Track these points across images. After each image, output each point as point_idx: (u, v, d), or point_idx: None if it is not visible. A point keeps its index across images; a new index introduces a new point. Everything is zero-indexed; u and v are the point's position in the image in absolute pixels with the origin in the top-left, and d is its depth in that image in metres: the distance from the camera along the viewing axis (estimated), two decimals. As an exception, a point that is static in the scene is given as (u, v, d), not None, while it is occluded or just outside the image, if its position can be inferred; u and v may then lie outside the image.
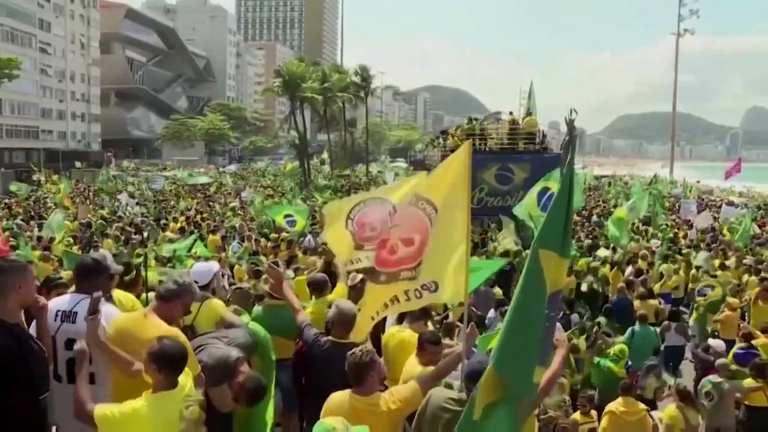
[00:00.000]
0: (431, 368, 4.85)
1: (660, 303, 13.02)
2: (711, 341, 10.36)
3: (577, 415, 7.64)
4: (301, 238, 18.15)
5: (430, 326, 8.05)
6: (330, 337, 5.35)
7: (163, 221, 23.01)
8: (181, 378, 3.94)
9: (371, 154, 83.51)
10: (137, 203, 31.98)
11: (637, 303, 12.11)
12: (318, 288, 7.19)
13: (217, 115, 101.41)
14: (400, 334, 6.47)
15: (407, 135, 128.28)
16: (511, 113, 24.23)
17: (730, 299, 12.26)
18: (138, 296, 5.95)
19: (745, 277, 14.44)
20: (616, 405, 7.32)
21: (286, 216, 18.73)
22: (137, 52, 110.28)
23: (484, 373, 3.88)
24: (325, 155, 78.14)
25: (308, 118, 73.25)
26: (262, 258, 13.83)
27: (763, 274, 13.78)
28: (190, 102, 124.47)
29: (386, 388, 4.90)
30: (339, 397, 4.43)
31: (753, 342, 9.94)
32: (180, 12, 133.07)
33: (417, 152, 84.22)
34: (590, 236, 19.78)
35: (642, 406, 7.56)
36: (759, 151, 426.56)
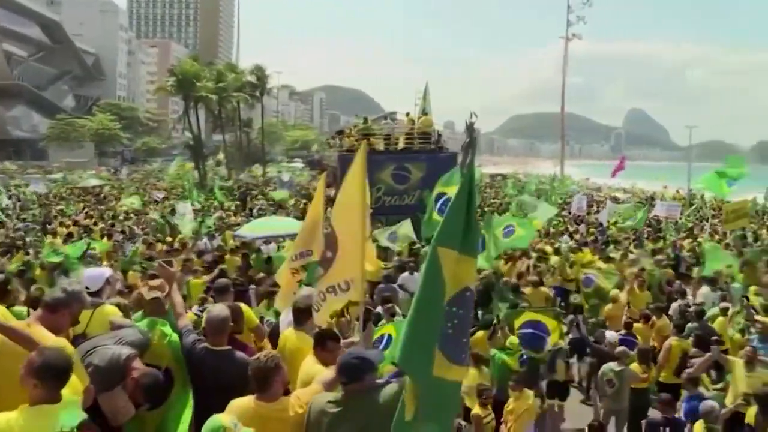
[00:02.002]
0: (333, 368, 4.79)
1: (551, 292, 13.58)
2: (607, 333, 10.95)
3: (477, 409, 7.82)
4: (197, 241, 17.80)
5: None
6: (205, 344, 5.16)
7: (50, 226, 21.99)
8: (66, 391, 3.68)
9: (268, 155, 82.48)
10: (20, 207, 30.40)
11: (528, 290, 12.49)
12: (220, 292, 7.08)
13: (107, 115, 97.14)
14: (296, 336, 6.42)
15: (304, 135, 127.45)
16: (407, 114, 24.50)
17: (613, 292, 12.86)
18: (9, 307, 5.64)
19: (629, 270, 15.20)
20: (525, 401, 7.59)
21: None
22: (16, 46, 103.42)
23: (355, 367, 4.06)
24: (220, 156, 76.58)
25: (203, 119, 71.60)
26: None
27: (653, 266, 14.65)
28: (78, 101, 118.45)
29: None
30: (242, 403, 4.29)
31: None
32: (66, 5, 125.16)
33: (313, 152, 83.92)
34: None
35: (530, 392, 7.90)
36: (639, 150, 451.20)
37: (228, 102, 66.07)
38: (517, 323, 9.57)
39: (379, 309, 9.99)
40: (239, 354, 5.19)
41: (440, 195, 14.65)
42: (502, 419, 7.96)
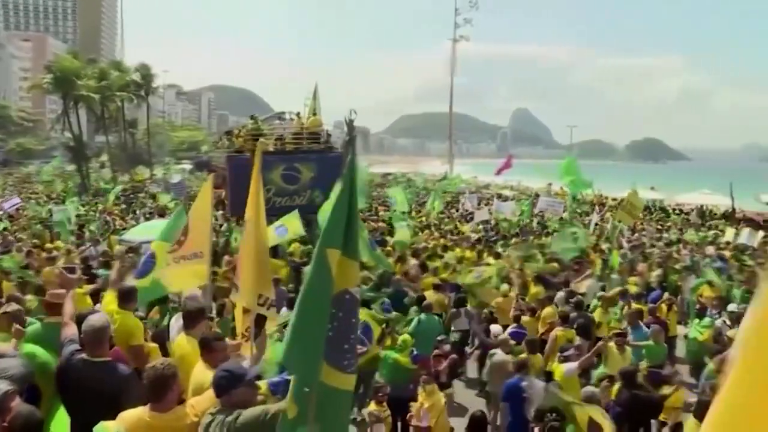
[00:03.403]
0: None
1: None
2: (492, 326, 11.32)
3: (374, 407, 7.87)
4: (82, 247, 17.06)
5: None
6: (83, 355, 4.95)
7: None
8: None
9: (155, 156, 79.85)
10: None
11: (429, 293, 12.65)
12: (126, 298, 6.87)
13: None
14: (187, 341, 6.29)
15: (192, 136, 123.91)
16: (298, 114, 24.34)
17: (504, 287, 13.31)
18: None
19: (518, 264, 15.82)
20: (438, 395, 7.69)
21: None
22: None
23: (223, 379, 4.09)
24: (104, 157, 73.42)
25: (84, 118, 68.47)
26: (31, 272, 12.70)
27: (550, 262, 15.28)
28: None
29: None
30: (134, 415, 4.14)
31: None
32: None
33: (202, 153, 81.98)
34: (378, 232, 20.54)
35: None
36: (524, 148, 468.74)
37: (111, 101, 63.46)
38: None
39: (284, 311, 9.96)
40: (121, 365, 5.02)
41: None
42: (409, 416, 8.06)
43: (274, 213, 19.19)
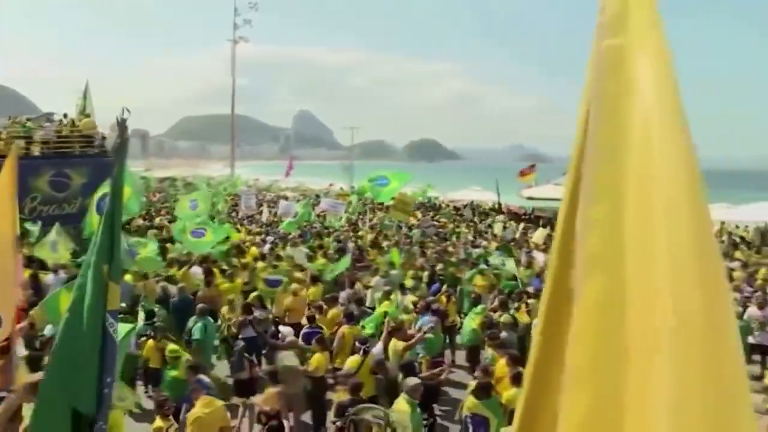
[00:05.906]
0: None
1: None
2: (281, 327, 11.41)
3: (159, 422, 7.58)
4: None
5: None
6: None
7: None
8: None
9: None
10: None
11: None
12: None
13: None
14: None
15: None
16: (65, 115, 22.64)
17: (294, 286, 13.45)
18: None
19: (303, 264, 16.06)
20: (199, 409, 7.46)
21: None
22: None
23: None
24: None
25: None
26: None
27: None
28: None
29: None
30: None
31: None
32: None
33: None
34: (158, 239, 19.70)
35: (220, 401, 7.86)
36: (307, 150, 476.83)
37: None
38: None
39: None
40: None
41: (104, 195, 13.93)
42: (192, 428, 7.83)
43: (43, 223, 17.73)
